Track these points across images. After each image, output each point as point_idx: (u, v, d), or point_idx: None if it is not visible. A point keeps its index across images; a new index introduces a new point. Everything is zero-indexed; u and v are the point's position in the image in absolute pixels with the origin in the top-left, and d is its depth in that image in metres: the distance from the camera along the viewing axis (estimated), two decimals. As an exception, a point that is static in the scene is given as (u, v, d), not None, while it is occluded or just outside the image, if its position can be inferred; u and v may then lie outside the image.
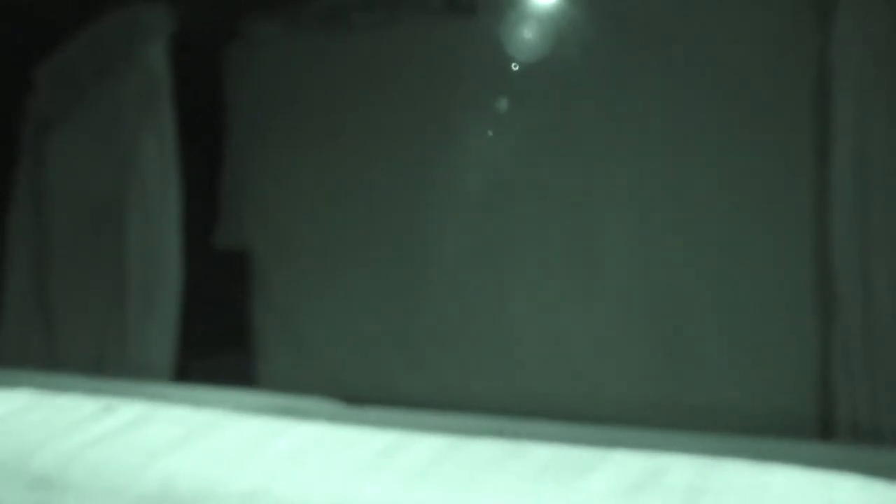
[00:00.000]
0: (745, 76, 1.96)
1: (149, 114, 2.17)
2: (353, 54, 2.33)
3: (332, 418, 1.06)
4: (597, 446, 0.92)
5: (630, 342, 2.11)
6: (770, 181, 1.95)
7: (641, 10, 2.02)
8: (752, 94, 1.95)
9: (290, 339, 2.41)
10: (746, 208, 1.97)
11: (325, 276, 2.38)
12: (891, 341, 1.73)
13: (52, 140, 2.27)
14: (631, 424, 1.03)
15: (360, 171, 2.33)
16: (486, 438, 0.96)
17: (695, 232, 2.03)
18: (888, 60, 1.74)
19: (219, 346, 2.48)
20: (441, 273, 2.29)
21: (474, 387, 2.19)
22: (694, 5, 1.98)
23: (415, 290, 2.30)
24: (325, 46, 2.35)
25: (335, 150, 2.36)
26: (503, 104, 2.19)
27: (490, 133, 2.21)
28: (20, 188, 2.31)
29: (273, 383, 2.34)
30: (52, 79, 2.31)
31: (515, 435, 0.97)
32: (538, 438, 0.95)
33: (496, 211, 2.23)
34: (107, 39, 2.25)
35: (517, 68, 2.12)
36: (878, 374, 1.74)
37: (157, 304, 2.17)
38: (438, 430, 0.98)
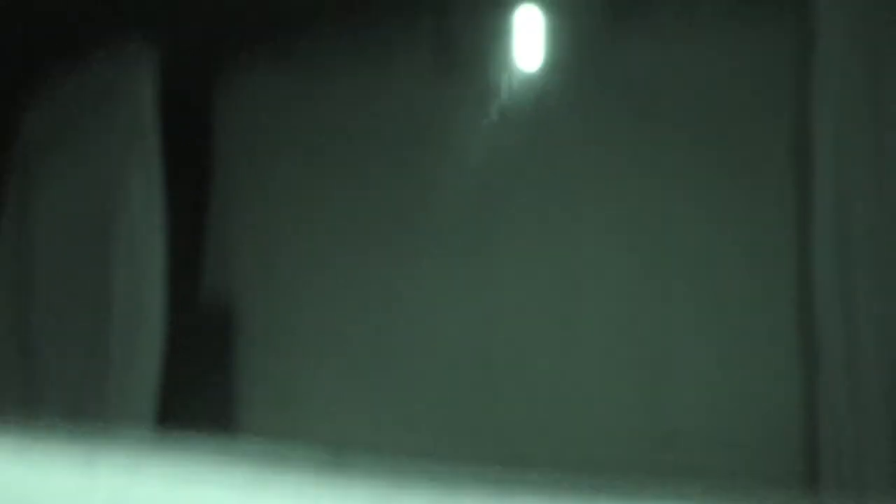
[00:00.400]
0: (728, 121, 1.99)
1: (136, 151, 2.17)
2: (339, 101, 2.34)
3: (319, 468, 1.05)
4: (583, 496, 0.92)
5: (614, 390, 2.11)
6: (753, 226, 1.98)
7: (622, 62, 2.06)
8: (734, 138, 1.98)
9: (275, 387, 2.39)
10: (730, 255, 1.99)
11: (310, 325, 2.37)
12: (875, 393, 1.74)
13: (38, 177, 2.26)
14: (616, 473, 1.03)
15: (347, 221, 2.34)
16: (474, 489, 0.95)
17: (679, 282, 2.04)
18: (867, 106, 1.77)
19: (202, 393, 2.44)
20: (428, 322, 2.28)
21: (462, 435, 2.17)
22: (674, 55, 2.02)
23: (401, 340, 2.29)
24: (312, 92, 2.37)
25: (323, 199, 2.36)
26: (486, 159, 2.21)
27: (473, 186, 2.22)
28: (4, 226, 2.29)
29: (257, 432, 2.32)
30: (42, 112, 2.31)
31: (504, 485, 0.96)
32: (526, 488, 0.95)
33: (481, 260, 2.24)
34: (97, 74, 2.26)
35: (500, 121, 2.13)
36: (863, 426, 1.74)
37: (139, 349, 2.15)
38: (426, 481, 0.97)
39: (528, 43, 2.09)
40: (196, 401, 2.38)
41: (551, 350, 2.17)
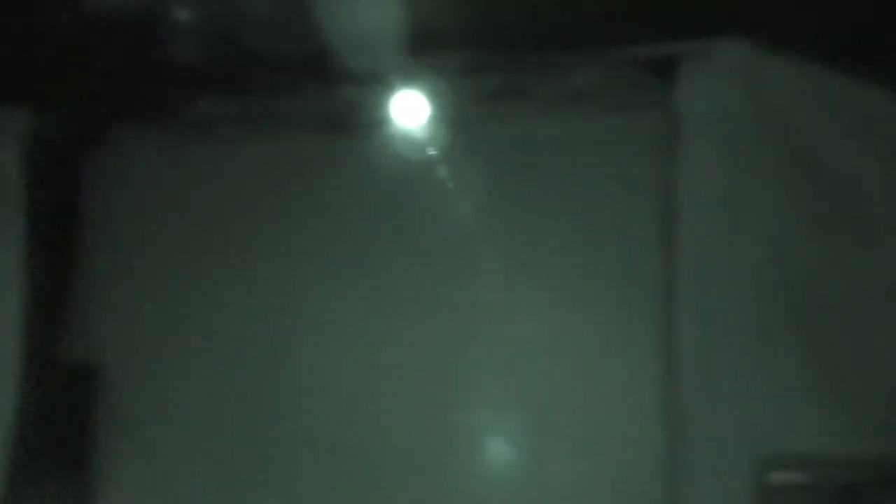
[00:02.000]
0: (598, 194, 2.07)
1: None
2: (220, 167, 2.31)
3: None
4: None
5: (493, 448, 2.13)
6: (621, 302, 2.05)
7: (507, 137, 2.12)
8: (604, 230, 2.07)
9: (137, 461, 2.27)
10: (599, 341, 2.05)
11: (178, 395, 2.28)
12: (736, 467, 1.81)
13: None
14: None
15: (222, 287, 2.28)
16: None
17: (552, 355, 2.09)
18: (726, 198, 1.88)
19: (58, 468, 2.30)
20: (303, 398, 2.23)
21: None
22: (550, 140, 2.09)
23: (271, 413, 2.23)
24: (191, 158, 2.33)
25: (197, 265, 2.30)
26: (373, 222, 2.21)
27: (358, 251, 2.21)
28: None
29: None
30: None
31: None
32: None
33: (353, 319, 2.21)
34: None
35: (385, 185, 2.14)
36: (726, 494, 1.80)
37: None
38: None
39: (414, 110, 2.13)
40: (52, 476, 2.25)
41: (434, 427, 2.16)
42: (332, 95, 2.09)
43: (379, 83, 2.03)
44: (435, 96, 2.06)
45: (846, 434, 1.78)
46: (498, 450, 2.13)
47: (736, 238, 1.86)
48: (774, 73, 1.85)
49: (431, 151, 2.09)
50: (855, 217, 1.85)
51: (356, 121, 2.12)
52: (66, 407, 2.34)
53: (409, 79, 2.04)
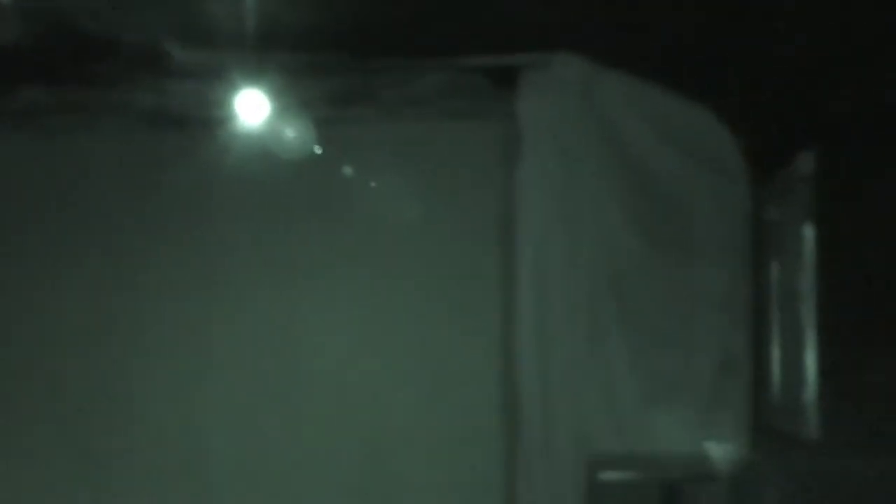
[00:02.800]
0: (441, 215, 2.11)
1: None
2: (43, 159, 2.18)
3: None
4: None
5: (333, 464, 2.12)
6: (463, 317, 2.08)
7: (350, 139, 2.12)
8: (445, 232, 2.11)
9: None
10: (440, 342, 2.09)
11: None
12: (568, 467, 1.87)
13: None
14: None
15: (43, 283, 2.17)
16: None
17: (399, 356, 2.11)
18: (562, 203, 1.95)
19: None
20: (131, 390, 2.18)
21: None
22: (393, 143, 2.10)
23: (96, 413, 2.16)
24: (12, 148, 2.19)
25: (21, 258, 2.17)
26: (207, 217, 2.15)
27: (190, 250, 2.16)
28: None
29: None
30: None
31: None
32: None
33: (185, 314, 2.18)
34: None
35: (222, 186, 2.09)
36: (559, 492, 1.86)
37: None
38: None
39: (256, 109, 2.08)
40: None
41: (271, 423, 2.13)
42: (168, 89, 2.02)
43: (220, 79, 1.98)
44: (278, 96, 2.03)
45: (668, 434, 1.88)
46: (335, 447, 2.12)
47: (571, 241, 1.94)
48: (608, 86, 1.94)
49: (273, 150, 2.05)
50: (680, 226, 1.96)
51: (194, 117, 2.05)
52: None
53: (251, 77, 1.99)
